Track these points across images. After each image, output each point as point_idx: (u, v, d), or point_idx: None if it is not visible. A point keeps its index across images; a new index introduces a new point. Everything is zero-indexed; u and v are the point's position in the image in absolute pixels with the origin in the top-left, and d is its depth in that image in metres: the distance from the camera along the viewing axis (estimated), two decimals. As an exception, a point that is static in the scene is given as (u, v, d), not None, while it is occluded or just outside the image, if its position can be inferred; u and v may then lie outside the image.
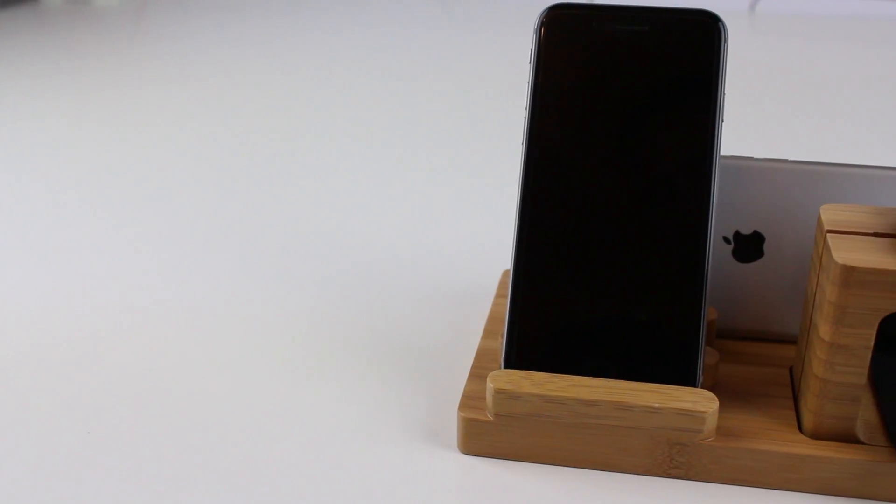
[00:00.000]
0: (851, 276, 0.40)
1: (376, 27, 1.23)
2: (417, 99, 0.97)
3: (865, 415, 0.45)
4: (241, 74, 1.06)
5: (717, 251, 0.50)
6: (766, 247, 0.50)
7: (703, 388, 0.44)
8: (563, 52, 0.47)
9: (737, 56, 1.10)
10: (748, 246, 0.50)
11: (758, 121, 0.92)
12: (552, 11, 0.47)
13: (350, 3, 1.33)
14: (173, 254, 0.66)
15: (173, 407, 0.49)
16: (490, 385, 0.44)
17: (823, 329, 0.42)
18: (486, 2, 1.31)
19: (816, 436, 0.44)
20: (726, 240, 0.50)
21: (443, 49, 1.14)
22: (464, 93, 0.99)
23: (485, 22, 1.25)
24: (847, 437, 0.43)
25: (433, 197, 0.75)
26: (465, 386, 0.47)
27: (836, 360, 0.41)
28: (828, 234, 0.42)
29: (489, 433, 0.45)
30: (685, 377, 0.44)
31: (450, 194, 0.75)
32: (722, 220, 0.50)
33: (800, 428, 0.44)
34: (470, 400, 0.46)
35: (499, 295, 0.56)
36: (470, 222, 0.70)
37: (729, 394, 0.47)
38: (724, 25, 0.46)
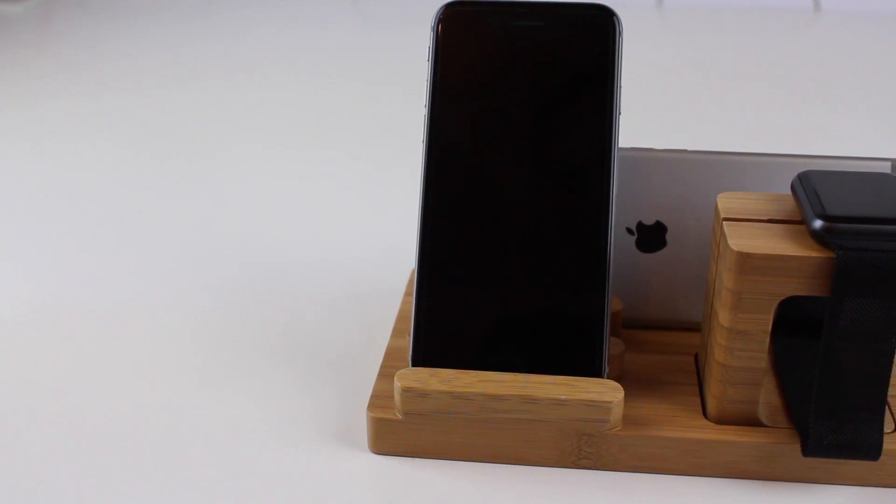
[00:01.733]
0: (747, 263, 0.40)
1: (286, 28, 1.22)
2: (323, 99, 0.97)
3: (768, 398, 0.46)
4: (149, 78, 1.05)
5: (620, 242, 0.51)
6: (668, 236, 0.51)
7: (609, 378, 0.45)
8: (460, 49, 0.47)
9: (644, 49, 1.11)
10: (651, 236, 0.51)
11: (665, 112, 0.93)
12: (449, 8, 0.47)
13: (261, 4, 1.32)
14: (77, 260, 0.65)
15: (77, 415, 0.48)
16: (397, 384, 0.44)
17: (722, 315, 0.42)
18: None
19: (720, 421, 0.44)
20: (629, 231, 0.51)
21: (353, 48, 1.14)
22: (372, 92, 0.99)
23: (396, 20, 1.25)
24: (750, 421, 0.44)
25: (340, 197, 0.75)
26: (374, 385, 0.47)
27: (735, 345, 0.42)
28: (724, 222, 0.43)
29: (399, 432, 0.45)
30: (591, 368, 0.44)
31: (357, 194, 0.75)
32: (624, 211, 0.50)
33: (704, 414, 0.45)
34: (379, 399, 0.46)
35: (408, 293, 0.56)
36: (378, 221, 0.70)
37: (635, 383, 0.47)
38: (618, 19, 0.46)
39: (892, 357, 0.41)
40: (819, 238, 0.40)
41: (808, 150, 0.53)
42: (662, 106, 0.94)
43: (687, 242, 0.51)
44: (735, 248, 0.40)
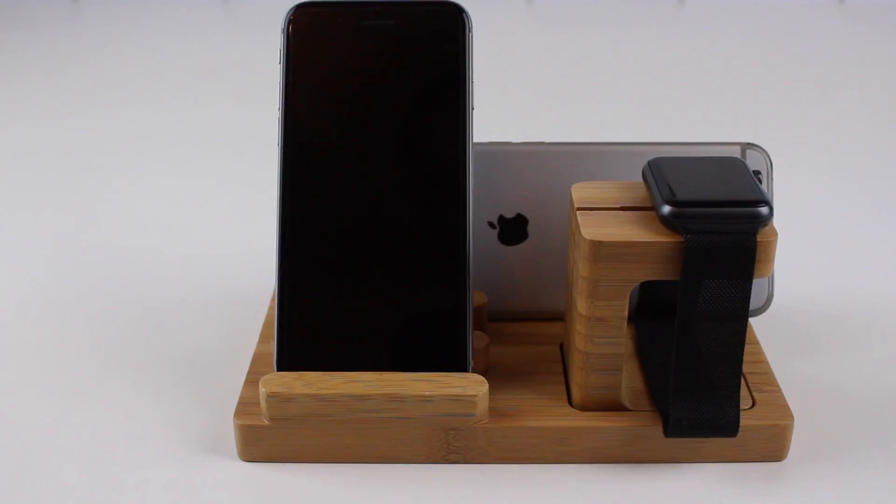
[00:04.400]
0: (600, 251, 0.41)
1: (155, 34, 1.20)
2: (190, 104, 0.96)
3: (632, 382, 0.47)
4: (11, 88, 1.02)
5: (482, 236, 0.51)
6: (530, 228, 0.51)
7: (474, 371, 0.45)
8: (311, 50, 0.46)
9: (514, 45, 1.12)
10: (512, 229, 0.51)
11: (535, 106, 0.94)
12: (298, 10, 0.47)
13: (129, 8, 1.30)
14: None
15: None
16: (262, 389, 0.43)
17: (580, 304, 0.43)
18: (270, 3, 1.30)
19: (585, 408, 0.45)
20: (491, 224, 0.51)
21: (222, 53, 1.13)
22: (240, 97, 0.97)
23: (270, 23, 1.24)
24: (614, 406, 0.45)
25: (204, 202, 0.74)
26: (241, 392, 0.46)
27: (594, 333, 0.43)
28: (577, 212, 0.43)
29: (267, 438, 0.44)
30: (456, 363, 0.45)
31: (221, 198, 0.74)
32: (485, 205, 0.51)
33: (570, 402, 0.46)
34: (246, 406, 0.45)
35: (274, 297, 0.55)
36: (244, 226, 0.69)
37: (502, 375, 0.48)
38: (467, 15, 0.46)
39: (745, 335, 0.42)
40: (668, 223, 0.41)
41: (668, 137, 0.54)
42: (533, 99, 0.95)
43: (548, 234, 0.51)
44: (587, 236, 0.41)
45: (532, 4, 1.32)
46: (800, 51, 1.11)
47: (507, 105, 0.92)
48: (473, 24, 0.46)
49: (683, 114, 0.92)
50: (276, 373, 0.44)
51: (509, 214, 0.51)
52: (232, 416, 0.45)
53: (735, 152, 0.51)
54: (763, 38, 1.16)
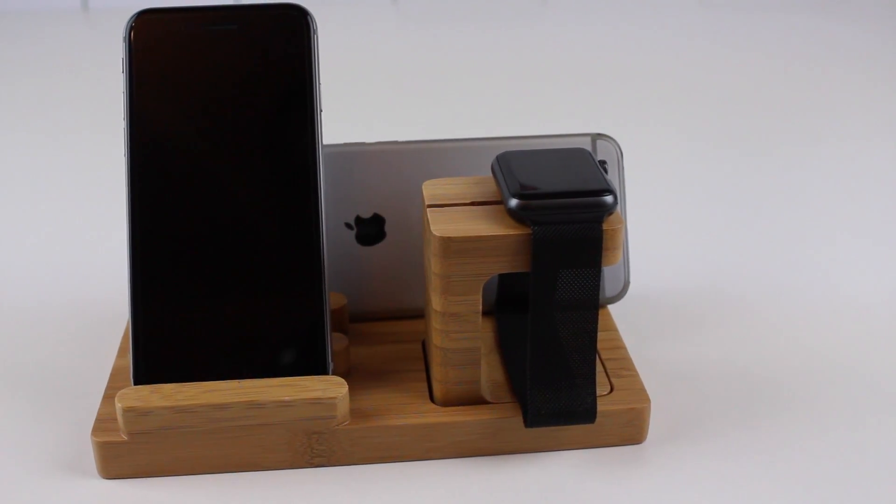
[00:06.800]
0: (450, 247, 0.41)
1: (16, 40, 1.17)
2: (56, 112, 0.93)
3: (493, 375, 0.48)
4: None
5: (340, 238, 0.51)
6: (387, 228, 0.51)
7: (335, 373, 0.45)
8: (155, 57, 0.46)
9: (377, 45, 1.12)
10: (370, 229, 0.51)
11: (397, 105, 0.94)
12: (140, 17, 0.46)
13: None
14: None
15: None
16: (118, 405, 0.43)
17: (435, 300, 0.43)
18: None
19: (447, 403, 0.45)
20: (348, 225, 0.51)
21: (83, 57, 1.10)
22: (108, 104, 0.95)
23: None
24: (474, 400, 0.45)
25: (61, 211, 0.72)
26: (99, 408, 0.45)
27: (449, 328, 0.43)
28: (427, 209, 0.44)
29: (127, 454, 0.44)
30: (315, 367, 0.45)
31: (79, 207, 0.72)
32: (341, 206, 0.51)
33: (432, 398, 0.46)
34: (104, 423, 0.44)
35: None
36: (103, 240, 0.67)
37: (364, 375, 0.48)
38: (312, 18, 0.46)
39: (597, 323, 0.43)
40: (515, 216, 0.42)
41: (525, 131, 0.55)
42: (395, 99, 0.96)
43: (406, 232, 0.51)
44: (437, 233, 0.41)
45: (397, 4, 1.32)
46: (655, 42, 1.14)
47: (369, 105, 0.92)
48: (318, 27, 0.46)
49: (542, 108, 0.93)
50: (132, 387, 0.44)
51: (366, 215, 0.51)
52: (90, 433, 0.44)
53: (586, 143, 0.52)
54: (621, 30, 1.18)
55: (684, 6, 1.27)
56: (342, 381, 0.44)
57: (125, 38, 0.46)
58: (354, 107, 0.90)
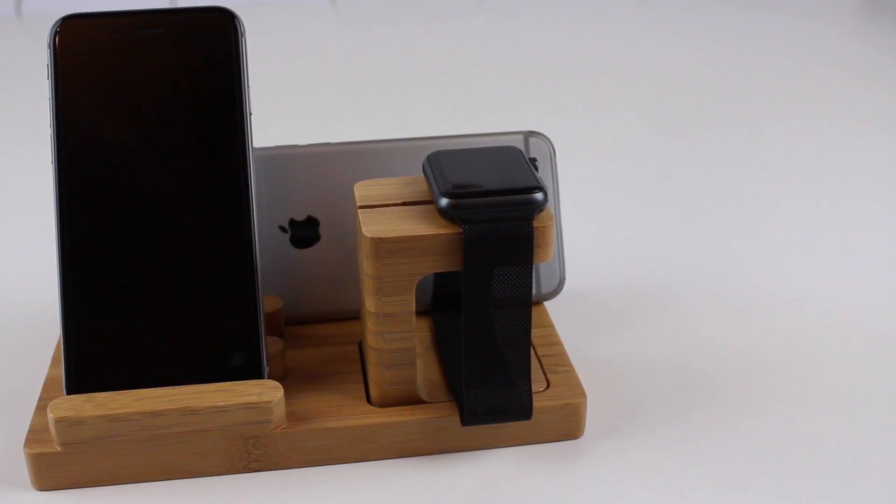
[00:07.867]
0: (381, 248, 0.41)
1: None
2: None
3: (430, 375, 0.48)
4: None
5: (274, 241, 0.51)
6: (322, 230, 0.51)
7: (271, 377, 0.45)
8: (81, 63, 0.45)
9: (316, 46, 1.12)
10: (304, 232, 0.51)
11: (333, 106, 0.94)
12: (65, 23, 0.46)
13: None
14: None
15: None
16: (50, 415, 0.42)
17: (368, 301, 0.43)
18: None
19: (383, 404, 0.45)
20: (282, 228, 0.51)
21: (15, 63, 1.09)
22: (41, 110, 0.94)
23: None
24: (411, 400, 0.45)
25: None
26: (32, 419, 0.45)
27: (384, 329, 0.43)
28: (359, 210, 0.43)
29: (61, 465, 0.43)
30: (251, 371, 0.44)
31: (8, 218, 0.71)
32: (275, 209, 0.51)
33: (369, 399, 0.46)
34: (37, 434, 0.44)
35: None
36: (35, 248, 0.66)
37: (301, 378, 0.48)
38: (240, 21, 0.46)
39: (530, 320, 0.43)
40: (446, 215, 0.42)
41: (458, 130, 0.55)
42: (332, 99, 0.96)
43: (341, 234, 0.51)
44: (368, 234, 0.41)
45: (336, 5, 1.32)
46: (588, 40, 1.15)
47: (305, 106, 0.92)
48: (246, 29, 0.46)
49: (476, 106, 0.93)
50: (64, 396, 0.43)
51: (300, 217, 0.51)
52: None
53: (519, 141, 0.52)
54: (553, 28, 1.19)
55: (619, 3, 1.28)
56: (277, 384, 0.43)
57: (49, 43, 0.45)
58: (290, 109, 0.90)
